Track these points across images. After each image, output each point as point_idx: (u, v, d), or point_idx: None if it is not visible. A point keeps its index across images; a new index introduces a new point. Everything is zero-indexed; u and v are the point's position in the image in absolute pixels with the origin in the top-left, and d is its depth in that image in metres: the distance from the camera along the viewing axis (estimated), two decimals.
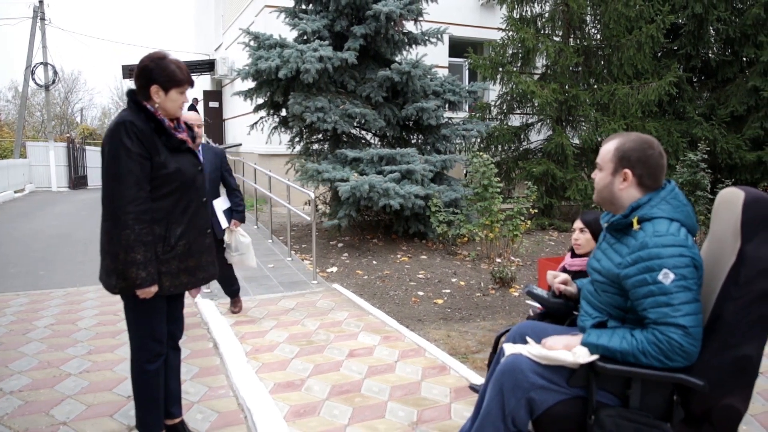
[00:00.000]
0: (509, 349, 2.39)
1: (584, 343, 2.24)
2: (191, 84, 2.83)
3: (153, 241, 2.70)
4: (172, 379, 3.10)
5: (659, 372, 2.13)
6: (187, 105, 2.94)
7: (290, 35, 9.81)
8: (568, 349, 2.26)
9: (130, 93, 2.77)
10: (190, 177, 2.84)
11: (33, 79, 24.12)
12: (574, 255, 3.62)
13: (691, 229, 2.22)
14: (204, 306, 5.71)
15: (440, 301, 6.19)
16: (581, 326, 2.45)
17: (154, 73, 2.72)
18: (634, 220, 2.24)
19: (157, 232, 2.74)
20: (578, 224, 3.55)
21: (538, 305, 3.13)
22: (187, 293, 3.15)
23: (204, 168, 3.03)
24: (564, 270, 3.49)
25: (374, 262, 7.90)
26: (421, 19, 9.58)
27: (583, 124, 11.98)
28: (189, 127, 3.03)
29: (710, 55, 13.36)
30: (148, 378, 2.88)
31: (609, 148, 2.37)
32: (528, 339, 2.46)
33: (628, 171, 2.30)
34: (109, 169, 2.64)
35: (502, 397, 2.26)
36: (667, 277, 2.10)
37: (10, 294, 6.38)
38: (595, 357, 2.19)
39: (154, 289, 2.71)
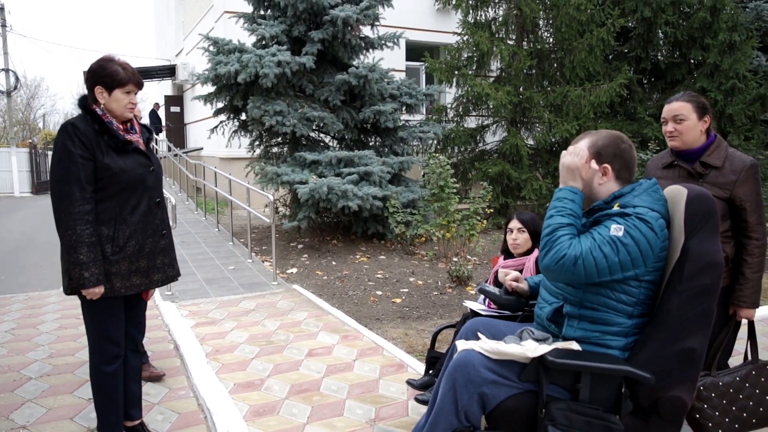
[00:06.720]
0: (461, 345, 2.44)
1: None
2: (137, 85, 2.85)
3: (98, 241, 2.74)
4: (132, 381, 3.14)
5: (608, 365, 2.19)
6: (140, 106, 2.97)
7: (249, 41, 9.84)
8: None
9: (81, 97, 2.83)
10: (138, 177, 2.87)
11: None
12: (508, 256, 3.69)
13: (668, 222, 2.29)
14: (165, 308, 5.74)
15: (398, 300, 6.30)
16: (538, 314, 2.55)
17: (97, 74, 2.78)
18: (616, 205, 2.29)
19: (104, 233, 2.78)
20: (516, 224, 3.61)
21: (473, 306, 3.27)
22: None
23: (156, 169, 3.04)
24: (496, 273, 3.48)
25: (333, 263, 7.98)
26: (377, 24, 9.65)
27: (537, 125, 12.18)
28: (149, 130, 3.11)
29: (659, 57, 13.65)
30: (106, 379, 2.92)
31: (581, 147, 2.42)
32: (479, 335, 2.51)
33: (607, 166, 2.37)
34: (53, 173, 2.71)
35: (455, 392, 2.30)
36: (618, 231, 2.18)
37: None
38: (543, 351, 2.24)
39: (99, 290, 2.74)
